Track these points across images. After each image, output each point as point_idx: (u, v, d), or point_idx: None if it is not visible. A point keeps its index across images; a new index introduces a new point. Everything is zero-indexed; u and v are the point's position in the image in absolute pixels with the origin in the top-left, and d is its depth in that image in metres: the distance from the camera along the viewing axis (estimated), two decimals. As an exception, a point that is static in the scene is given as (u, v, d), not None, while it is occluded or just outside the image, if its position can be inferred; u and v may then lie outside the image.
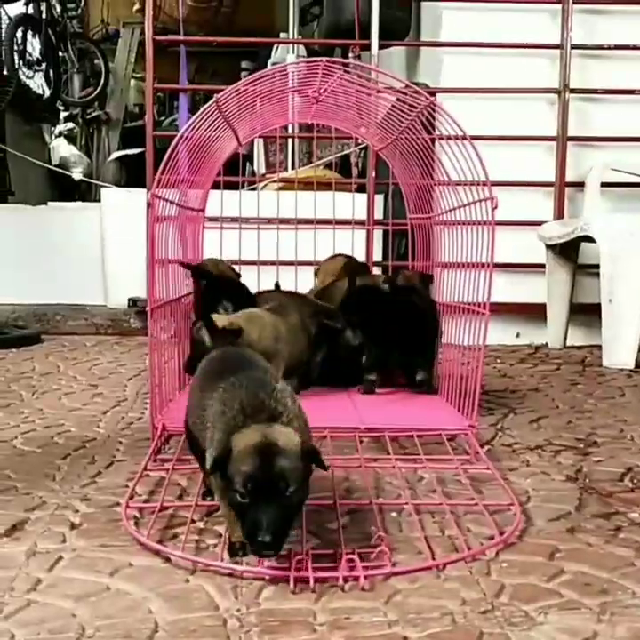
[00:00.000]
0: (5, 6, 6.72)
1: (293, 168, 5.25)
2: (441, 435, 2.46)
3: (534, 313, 4.43)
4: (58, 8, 7.41)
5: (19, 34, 6.65)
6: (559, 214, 4.51)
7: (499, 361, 3.94)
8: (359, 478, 2.11)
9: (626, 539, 1.77)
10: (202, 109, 2.50)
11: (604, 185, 4.31)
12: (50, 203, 6.13)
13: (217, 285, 3.02)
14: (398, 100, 2.78)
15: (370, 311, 2.95)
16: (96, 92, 7.69)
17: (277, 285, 3.26)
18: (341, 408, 2.72)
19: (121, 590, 1.50)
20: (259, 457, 1.46)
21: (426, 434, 2.47)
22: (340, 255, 3.47)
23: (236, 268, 3.32)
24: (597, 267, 3.89)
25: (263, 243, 3.72)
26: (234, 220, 3.70)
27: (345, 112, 3.14)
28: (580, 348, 4.28)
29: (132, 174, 6.45)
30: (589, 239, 3.97)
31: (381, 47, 4.49)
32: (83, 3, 8.63)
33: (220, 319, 2.56)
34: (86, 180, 7.07)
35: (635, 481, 2.16)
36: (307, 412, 1.64)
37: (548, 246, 4.28)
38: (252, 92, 2.74)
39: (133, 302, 4.76)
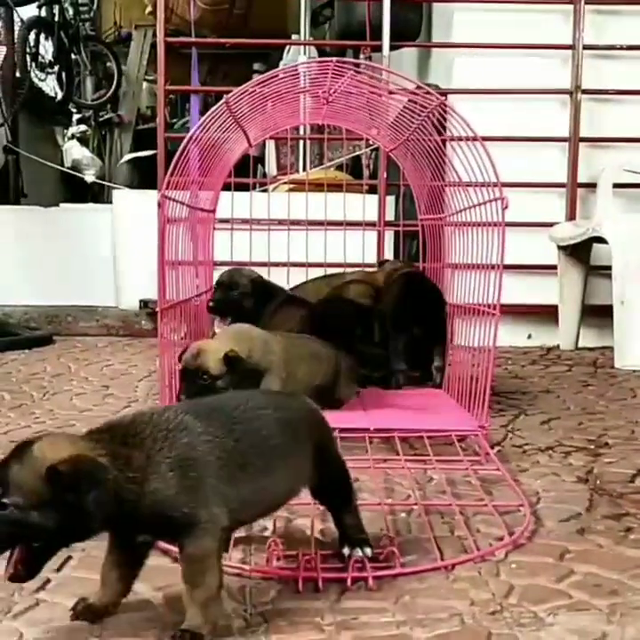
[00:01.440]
0: (18, 9, 6.74)
1: (304, 169, 5.26)
2: (451, 435, 2.46)
3: (546, 314, 4.41)
4: (70, 11, 7.43)
5: (31, 37, 6.67)
6: (571, 215, 4.49)
7: (510, 362, 3.93)
8: (369, 479, 2.11)
9: (636, 540, 1.76)
10: (212, 110, 2.51)
11: (616, 186, 4.28)
12: (62, 204, 6.15)
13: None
14: (409, 100, 2.78)
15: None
16: (108, 95, 7.70)
17: None
18: (351, 409, 2.71)
19: (129, 590, 1.50)
20: None
21: (436, 435, 2.46)
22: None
23: (246, 268, 3.33)
24: (609, 268, 3.87)
25: (274, 244, 3.73)
26: (244, 221, 3.71)
27: (356, 113, 3.14)
28: (591, 349, 4.25)
29: (144, 176, 6.46)
30: (601, 240, 3.95)
31: (393, 48, 4.48)
32: (95, 5, 8.65)
33: (213, 348, 2.32)
34: (98, 182, 7.09)
35: (646, 482, 2.15)
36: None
37: (559, 247, 4.26)
38: (263, 93, 2.74)
39: (145, 304, 4.76)
